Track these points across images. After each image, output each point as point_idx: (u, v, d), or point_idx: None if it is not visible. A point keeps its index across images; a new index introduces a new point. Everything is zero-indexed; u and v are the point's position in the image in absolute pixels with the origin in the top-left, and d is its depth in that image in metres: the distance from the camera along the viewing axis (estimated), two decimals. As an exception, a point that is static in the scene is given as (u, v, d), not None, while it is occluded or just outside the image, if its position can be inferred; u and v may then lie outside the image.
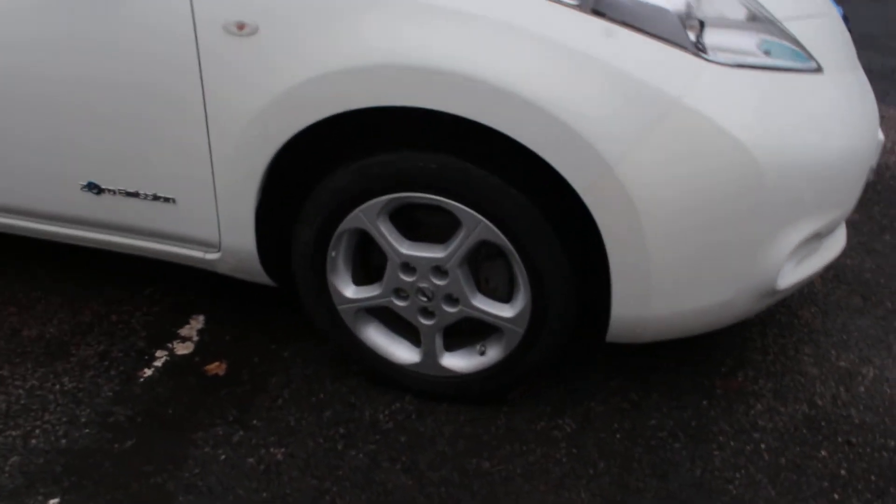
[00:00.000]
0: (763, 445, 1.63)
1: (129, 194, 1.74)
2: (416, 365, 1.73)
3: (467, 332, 1.73)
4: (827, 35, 1.68)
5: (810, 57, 1.54)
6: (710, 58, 1.39)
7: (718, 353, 1.90)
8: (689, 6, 1.43)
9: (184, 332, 2.03)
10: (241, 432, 1.70)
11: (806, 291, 2.15)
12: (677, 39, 1.38)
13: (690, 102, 1.35)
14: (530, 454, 1.62)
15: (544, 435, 1.67)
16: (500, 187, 1.46)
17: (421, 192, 1.50)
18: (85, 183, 1.76)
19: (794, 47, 1.54)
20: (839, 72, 1.61)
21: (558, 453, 1.62)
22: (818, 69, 1.54)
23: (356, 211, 1.56)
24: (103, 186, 1.75)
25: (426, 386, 1.75)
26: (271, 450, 1.65)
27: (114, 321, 2.07)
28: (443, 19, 1.36)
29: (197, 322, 2.07)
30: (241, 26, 1.45)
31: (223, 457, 1.64)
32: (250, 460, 1.63)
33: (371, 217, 1.56)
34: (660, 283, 1.46)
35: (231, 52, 1.48)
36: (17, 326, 2.05)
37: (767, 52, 1.50)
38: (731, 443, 1.64)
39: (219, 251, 1.76)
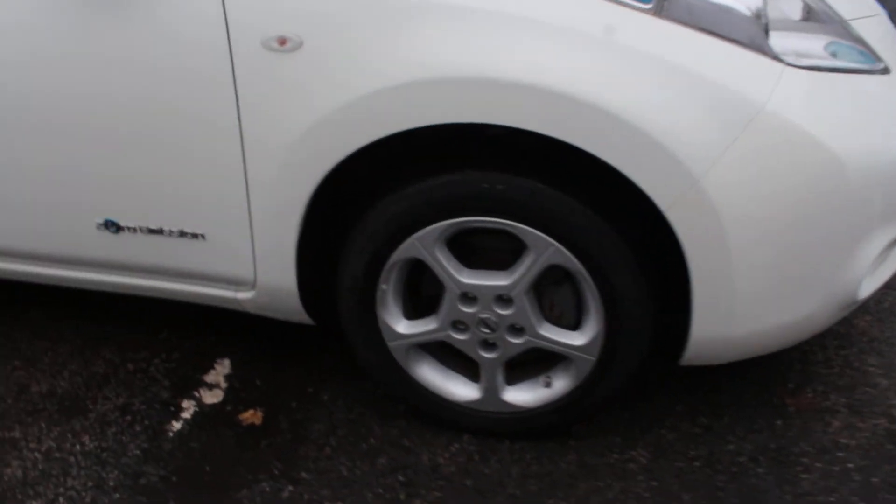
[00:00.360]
0: (850, 465, 1.54)
1: (151, 231, 1.59)
2: (475, 402, 1.61)
3: (529, 363, 1.62)
4: (884, 35, 1.63)
5: (877, 58, 1.47)
6: (786, 61, 1.31)
7: (781, 368, 1.82)
8: (760, 8, 1.36)
9: (210, 378, 1.88)
10: (291, 487, 1.56)
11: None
12: (754, 43, 1.30)
13: (775, 108, 1.27)
14: (608, 490, 1.51)
15: (619, 468, 1.56)
16: (573, 208, 1.35)
17: (485, 215, 1.39)
18: (102, 221, 1.61)
19: (860, 48, 1.47)
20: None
21: (637, 487, 1.51)
22: (886, 70, 1.47)
23: (411, 238, 1.44)
24: (122, 224, 1.60)
25: (486, 424, 1.63)
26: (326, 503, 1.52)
27: (131, 370, 1.91)
28: (516, 29, 1.25)
29: (223, 367, 1.92)
30: (282, 41, 1.33)
31: (274, 516, 1.50)
32: (305, 518, 1.49)
33: (428, 245, 1.44)
34: (744, 302, 1.37)
35: (271, 70, 1.35)
36: (25, 382, 1.88)
37: (834, 55, 1.43)
38: (817, 464, 1.55)
39: (253, 289, 1.62)
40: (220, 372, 1.90)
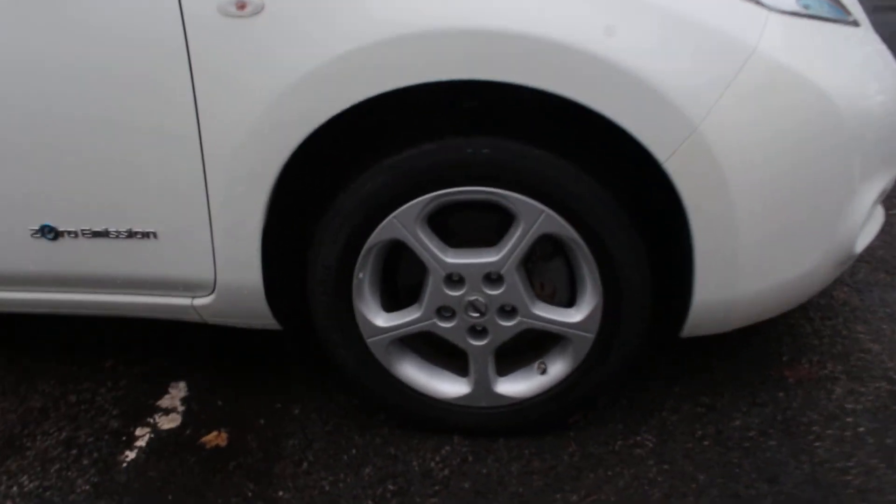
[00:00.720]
0: (861, 429, 1.47)
1: (96, 234, 1.42)
2: (464, 398, 1.48)
3: (519, 352, 1.51)
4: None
5: (847, 11, 1.46)
6: (769, 6, 1.28)
7: (772, 343, 1.75)
8: None
9: (165, 402, 1.69)
10: (268, 508, 1.39)
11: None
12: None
13: (765, 51, 1.22)
14: (618, 478, 1.40)
15: (626, 455, 1.45)
16: (565, 170, 1.26)
17: (470, 185, 1.29)
18: (37, 227, 1.43)
19: (829, 2, 1.45)
20: (867, 28, 1.54)
21: (650, 472, 1.40)
22: (856, 23, 1.46)
23: (390, 218, 1.33)
24: (61, 229, 1.43)
25: (478, 421, 1.50)
26: (311, 523, 1.35)
27: (73, 402, 1.70)
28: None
29: (178, 390, 1.73)
30: (241, 6, 1.21)
31: (253, 541, 1.32)
32: (289, 540, 1.32)
33: (409, 223, 1.33)
34: (748, 259, 1.30)
35: (229, 38, 1.23)
36: (-52, 425, 1.65)
37: (806, 7, 1.41)
38: (828, 431, 1.47)
39: (212, 293, 1.47)
40: (175, 396, 1.71)
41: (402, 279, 1.49)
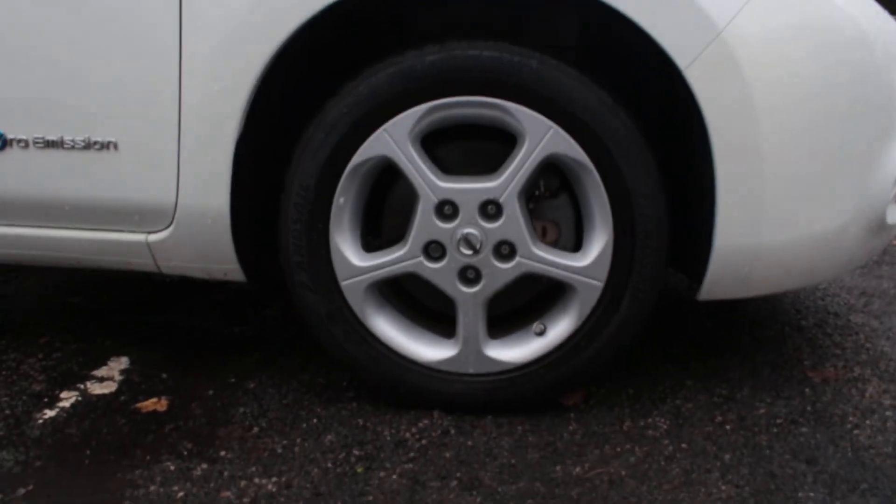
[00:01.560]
0: (905, 422, 1.28)
1: (49, 144, 1.27)
2: (448, 361, 1.28)
3: (513, 317, 1.33)
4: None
5: None
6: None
7: (791, 352, 1.58)
8: None
9: (100, 373, 1.46)
10: (205, 465, 1.14)
11: (842, 296, 1.91)
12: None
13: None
14: (630, 455, 1.18)
15: (636, 434, 1.24)
16: (575, 79, 1.15)
17: (471, 94, 1.17)
18: (-20, 133, 1.28)
19: None
20: None
21: (664, 450, 1.19)
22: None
23: (380, 130, 1.19)
24: (9, 136, 1.28)
25: (462, 390, 1.28)
26: (256, 480, 1.10)
27: (-8, 368, 1.47)
28: None
29: (119, 363, 1.50)
30: None
31: (181, 493, 1.07)
32: (226, 494, 1.07)
33: (401, 138, 1.19)
34: (774, 198, 1.17)
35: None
36: None
37: None
38: (867, 422, 1.27)
39: (169, 225, 1.29)
40: (114, 368, 1.48)
41: (388, 222, 1.34)
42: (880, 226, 1.30)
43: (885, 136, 1.24)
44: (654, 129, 1.22)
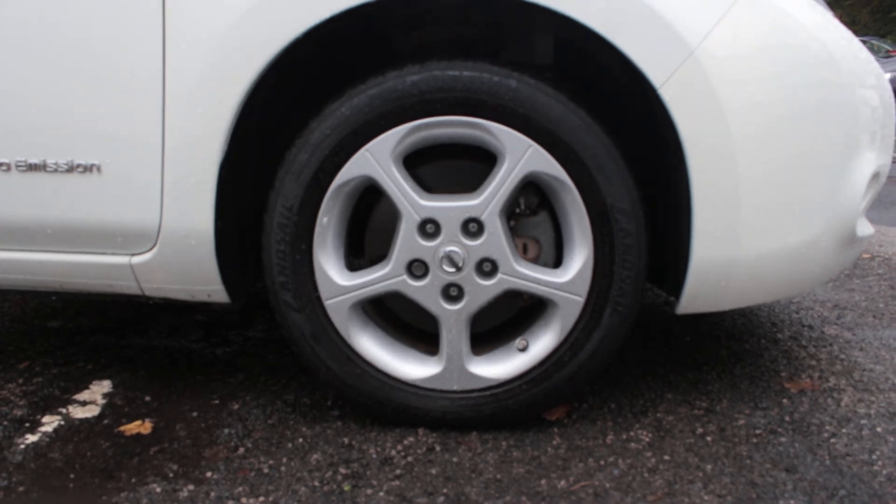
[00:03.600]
0: (879, 429, 1.31)
1: (31, 167, 1.27)
2: (433, 379, 1.29)
3: (496, 333, 1.35)
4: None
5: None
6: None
7: (767, 364, 1.61)
8: None
9: (82, 396, 1.45)
10: (191, 486, 1.14)
11: (816, 309, 1.96)
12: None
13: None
14: (614, 467, 1.19)
15: (619, 447, 1.25)
16: (554, 99, 1.18)
17: (452, 113, 1.19)
18: (-37, 158, 1.28)
19: None
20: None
21: (649, 463, 1.20)
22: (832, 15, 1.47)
23: (363, 150, 1.21)
24: (-8, 161, 1.28)
25: (447, 407, 1.29)
26: (243, 500, 1.10)
27: (-28, 394, 1.45)
28: None
29: (101, 387, 1.49)
30: None
31: (169, 516, 1.06)
32: (214, 515, 1.07)
33: (383, 158, 1.21)
34: (748, 211, 1.20)
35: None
36: None
37: None
38: (843, 430, 1.30)
39: (153, 247, 1.30)
40: (96, 391, 1.47)
41: (371, 242, 1.35)
42: (851, 238, 1.34)
43: (852, 151, 1.28)
44: (630, 144, 1.26)
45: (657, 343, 1.72)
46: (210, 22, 1.18)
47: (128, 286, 1.36)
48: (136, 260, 1.32)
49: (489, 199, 1.22)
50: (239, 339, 1.75)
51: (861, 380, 1.52)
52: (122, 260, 1.33)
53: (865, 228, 1.42)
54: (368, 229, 1.34)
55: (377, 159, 1.21)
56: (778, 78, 1.18)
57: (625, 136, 1.24)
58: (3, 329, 1.85)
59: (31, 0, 1.22)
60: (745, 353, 1.67)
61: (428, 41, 1.42)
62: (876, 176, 1.39)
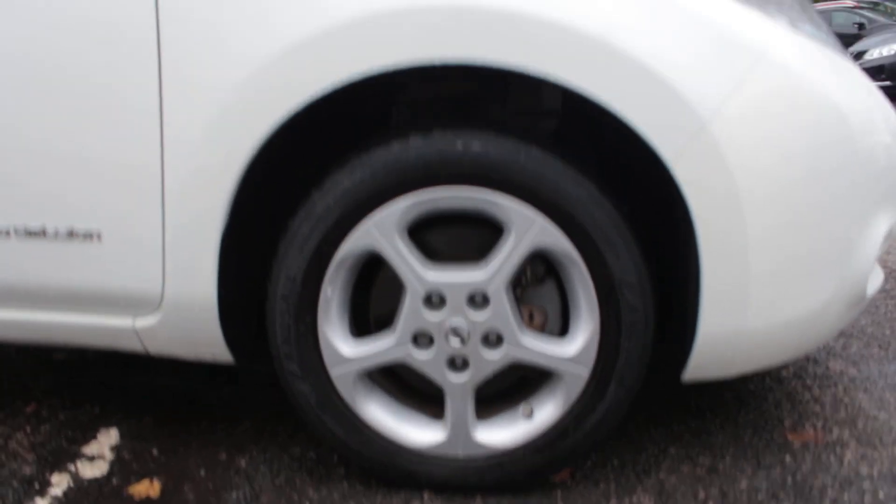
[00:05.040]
0: (882, 495, 1.31)
1: (30, 234, 1.26)
2: (438, 446, 1.30)
3: (501, 395, 1.35)
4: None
5: (834, 39, 1.44)
6: (777, 19, 1.23)
7: (770, 409, 1.61)
8: None
9: (91, 449, 1.46)
10: (201, 565, 1.15)
11: (825, 348, 1.95)
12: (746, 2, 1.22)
13: (778, 56, 1.16)
14: (616, 540, 1.21)
15: (622, 515, 1.26)
16: (563, 172, 1.16)
17: (458, 184, 1.17)
18: (-37, 226, 1.27)
19: (813, 28, 1.43)
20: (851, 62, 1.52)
21: (651, 534, 1.22)
22: (843, 52, 1.43)
23: (367, 222, 1.19)
24: (-9, 227, 1.27)
25: (452, 474, 1.30)
26: (252, 582, 1.12)
27: (-20, 447, 1.46)
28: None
29: (108, 437, 1.51)
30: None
31: None
32: None
33: (387, 231, 1.20)
34: (758, 284, 1.18)
35: (202, 7, 1.13)
36: None
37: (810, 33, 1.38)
38: (845, 495, 1.31)
39: (157, 310, 1.29)
40: (104, 443, 1.49)
41: (374, 309, 1.34)
42: (861, 299, 1.33)
43: (866, 213, 1.26)
44: (638, 213, 1.24)
45: (659, 386, 1.72)
46: (208, 94, 1.15)
47: (132, 346, 1.36)
48: (139, 323, 1.32)
49: (495, 272, 1.21)
50: (243, 377, 1.76)
51: (864, 430, 1.52)
52: (125, 322, 1.32)
53: (876, 281, 1.41)
54: (373, 293, 1.33)
55: (381, 232, 1.20)
56: (791, 146, 1.15)
57: (633, 202, 1.22)
58: (8, 360, 1.86)
59: (32, 72, 1.19)
60: (750, 395, 1.67)
61: (431, 94, 1.39)
62: (889, 233, 1.38)
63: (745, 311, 1.19)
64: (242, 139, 1.16)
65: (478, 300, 1.23)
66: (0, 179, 1.25)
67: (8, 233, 1.27)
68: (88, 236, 1.25)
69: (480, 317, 1.23)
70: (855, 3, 13.21)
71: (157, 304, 1.28)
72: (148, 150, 1.19)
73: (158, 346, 1.35)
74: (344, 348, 1.27)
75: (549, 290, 1.30)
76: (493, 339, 1.24)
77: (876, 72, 8.37)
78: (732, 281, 1.17)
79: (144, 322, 1.31)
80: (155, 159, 1.20)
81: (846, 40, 12.36)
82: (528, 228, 1.18)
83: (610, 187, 1.20)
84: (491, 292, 1.21)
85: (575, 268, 1.20)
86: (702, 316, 1.20)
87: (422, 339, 1.25)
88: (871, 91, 1.38)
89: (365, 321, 1.35)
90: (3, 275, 1.30)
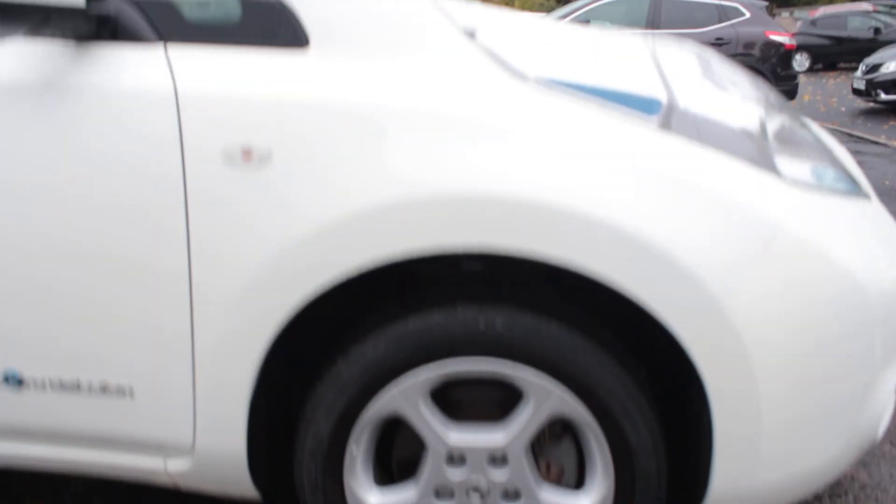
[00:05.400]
0: None
1: (64, 386, 1.30)
2: (457, 591, 1.34)
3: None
4: (849, 158, 1.64)
5: (856, 182, 1.45)
6: (790, 181, 1.25)
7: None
8: (763, 126, 1.32)
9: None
10: None
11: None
12: (761, 161, 1.24)
13: (792, 228, 1.19)
14: None
15: None
16: (581, 346, 1.19)
17: (479, 354, 1.21)
18: None
19: (840, 173, 1.44)
20: (875, 200, 1.53)
21: None
22: (867, 196, 1.45)
23: (393, 389, 1.23)
24: (27, 376, 1.31)
25: None
26: None
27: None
28: (509, 143, 1.14)
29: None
30: (247, 154, 1.16)
31: None
32: None
33: (411, 397, 1.23)
34: (769, 446, 1.22)
35: (233, 190, 1.17)
36: None
37: (819, 178, 1.40)
38: None
39: (188, 456, 1.34)
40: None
41: (397, 453, 1.38)
42: (871, 444, 1.36)
43: (878, 371, 1.28)
44: (653, 375, 1.27)
45: None
46: (235, 270, 1.19)
47: (163, 481, 1.40)
48: (171, 465, 1.36)
49: (514, 437, 1.24)
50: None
51: (874, 558, 1.55)
52: (157, 464, 1.37)
53: (883, 426, 1.44)
54: (396, 446, 1.37)
55: (405, 397, 1.24)
56: (805, 318, 1.18)
57: (648, 373, 1.26)
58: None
59: (71, 248, 1.23)
60: None
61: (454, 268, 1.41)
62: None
63: (757, 468, 1.23)
64: (271, 310, 1.20)
65: (497, 459, 1.26)
66: (40, 336, 1.29)
67: (44, 385, 1.31)
68: (121, 391, 1.29)
69: (500, 476, 1.27)
70: (872, 7, 13.06)
71: (189, 450, 1.33)
72: (179, 317, 1.23)
73: (188, 484, 1.39)
74: (370, 498, 1.31)
75: (566, 448, 1.33)
76: (511, 494, 1.28)
77: (891, 86, 8.31)
78: (743, 445, 1.20)
79: (176, 465, 1.36)
80: (184, 324, 1.23)
81: (861, 45, 12.27)
82: (546, 398, 1.21)
83: (627, 350, 1.23)
84: (510, 454, 1.25)
85: (592, 433, 1.23)
86: (714, 474, 1.23)
87: (443, 491, 1.29)
88: (884, 229, 1.39)
89: (387, 460, 1.39)
90: (39, 421, 1.34)
